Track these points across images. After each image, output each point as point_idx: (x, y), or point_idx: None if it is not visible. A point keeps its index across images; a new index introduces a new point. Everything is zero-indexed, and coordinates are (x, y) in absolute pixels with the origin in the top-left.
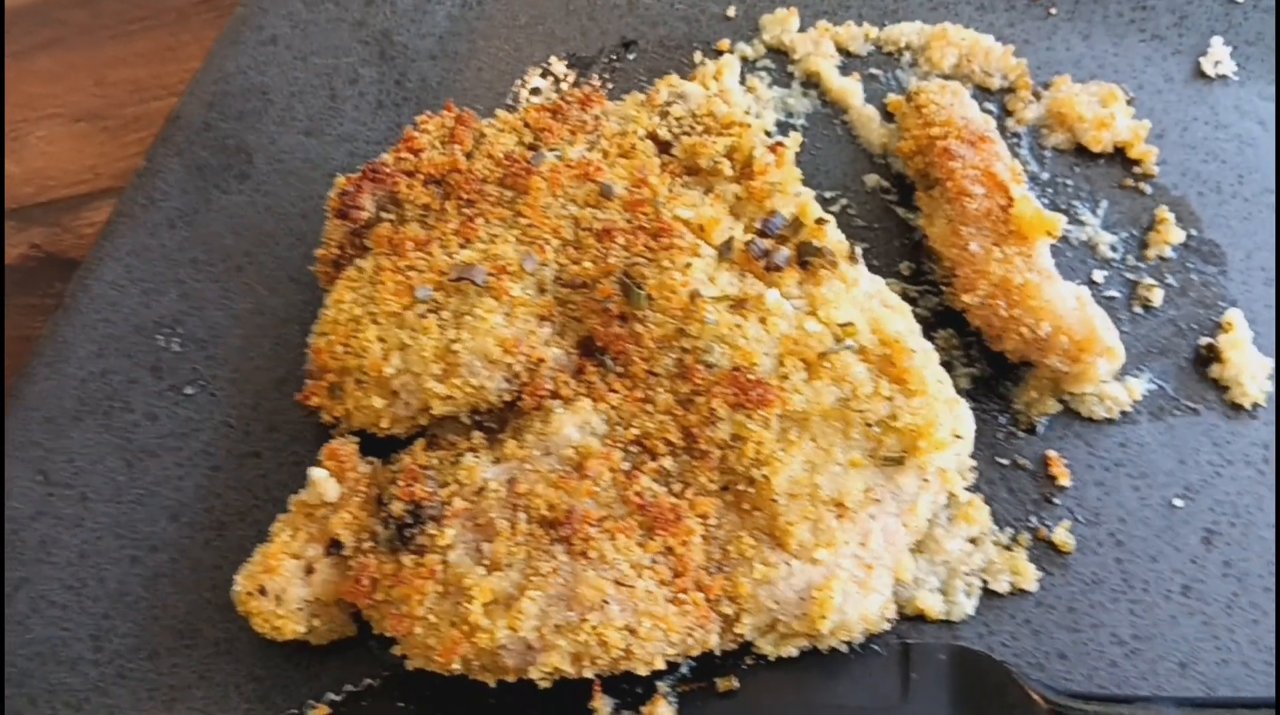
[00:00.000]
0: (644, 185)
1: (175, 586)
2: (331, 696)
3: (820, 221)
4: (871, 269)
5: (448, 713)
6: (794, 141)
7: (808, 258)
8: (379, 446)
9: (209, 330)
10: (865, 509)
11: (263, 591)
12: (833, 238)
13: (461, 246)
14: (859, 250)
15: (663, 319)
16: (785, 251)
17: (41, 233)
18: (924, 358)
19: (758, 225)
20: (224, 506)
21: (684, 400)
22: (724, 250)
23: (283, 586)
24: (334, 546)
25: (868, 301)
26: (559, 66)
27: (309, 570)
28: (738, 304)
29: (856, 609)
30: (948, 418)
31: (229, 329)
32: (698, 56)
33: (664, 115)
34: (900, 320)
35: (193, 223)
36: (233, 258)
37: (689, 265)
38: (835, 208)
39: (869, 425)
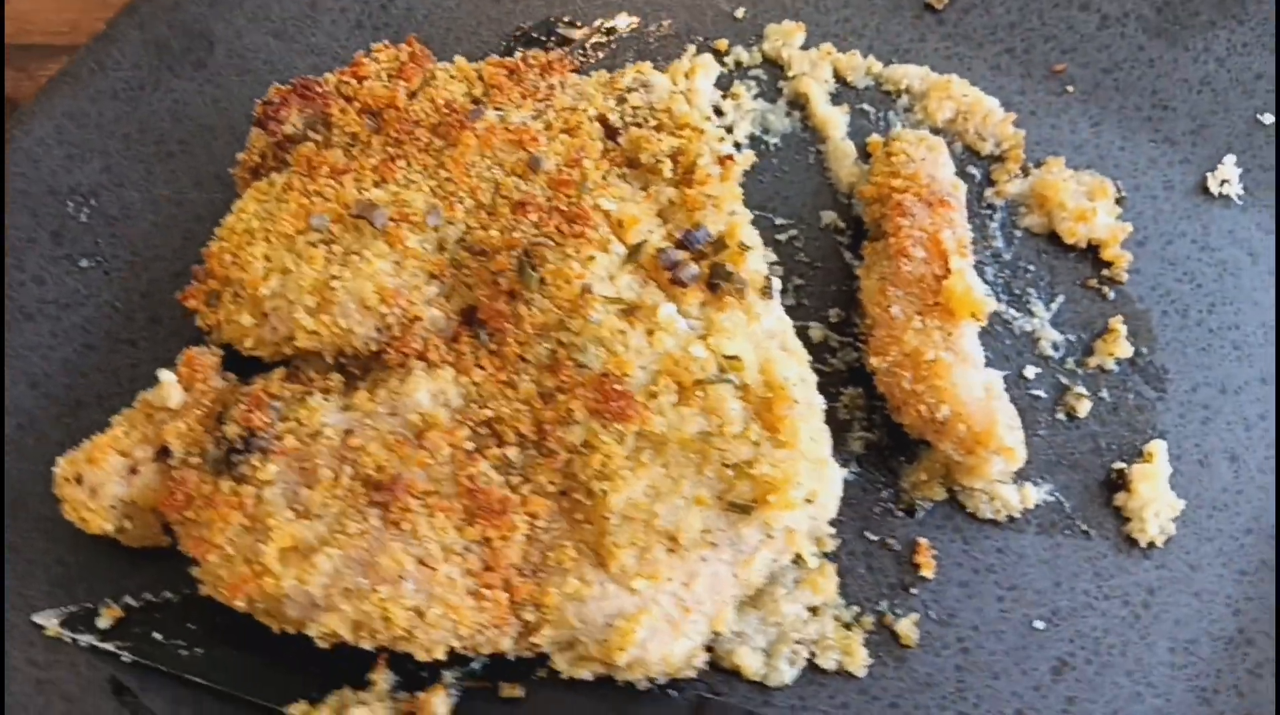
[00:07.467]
0: (576, 166)
1: (15, 454)
2: (129, 601)
3: (744, 247)
4: (801, 309)
5: (233, 645)
6: (745, 159)
7: (717, 281)
8: (248, 367)
9: (122, 208)
10: (698, 550)
11: (79, 480)
12: (751, 266)
13: (376, 184)
14: (776, 285)
15: (548, 307)
16: (695, 268)
17: (9, 75)
18: (806, 411)
19: (679, 235)
20: (86, 387)
21: (546, 394)
22: (634, 252)
23: (101, 481)
24: (164, 453)
25: (766, 340)
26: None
27: (133, 470)
28: (629, 310)
29: (660, 648)
30: (809, 478)
31: (142, 212)
32: (691, 49)
33: (621, 101)
34: (794, 367)
35: (136, 99)
36: (166, 143)
37: (592, 258)
38: (783, 237)
39: (725, 466)
